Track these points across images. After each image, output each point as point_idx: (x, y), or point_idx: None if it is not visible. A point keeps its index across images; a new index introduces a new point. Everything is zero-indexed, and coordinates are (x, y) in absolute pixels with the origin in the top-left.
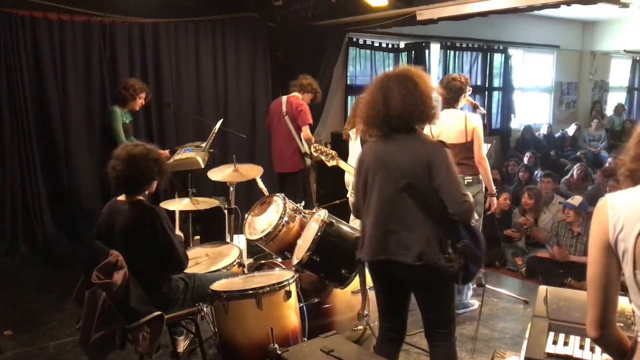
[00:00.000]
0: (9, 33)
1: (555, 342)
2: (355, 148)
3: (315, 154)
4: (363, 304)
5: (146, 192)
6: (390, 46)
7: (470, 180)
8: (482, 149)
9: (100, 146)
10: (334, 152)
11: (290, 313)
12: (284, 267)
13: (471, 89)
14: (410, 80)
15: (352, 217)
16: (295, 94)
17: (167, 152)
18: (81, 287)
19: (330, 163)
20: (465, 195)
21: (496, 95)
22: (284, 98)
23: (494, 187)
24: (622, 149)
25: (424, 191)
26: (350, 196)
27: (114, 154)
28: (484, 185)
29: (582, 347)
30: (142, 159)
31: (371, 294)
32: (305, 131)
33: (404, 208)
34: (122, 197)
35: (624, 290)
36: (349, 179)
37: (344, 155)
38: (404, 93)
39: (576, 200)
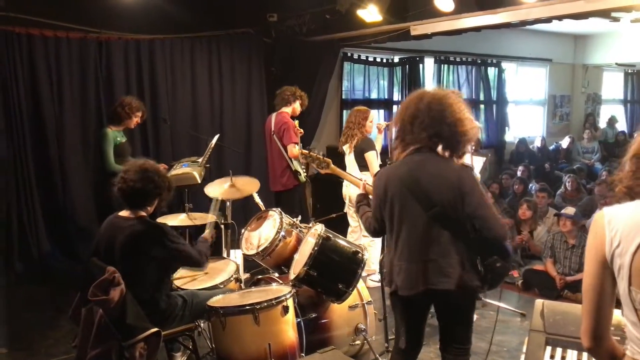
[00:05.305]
0: (5, 50)
1: (552, 357)
2: (350, 162)
3: (304, 161)
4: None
5: (149, 209)
6: (384, 61)
7: None
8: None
9: (94, 164)
10: (328, 160)
11: (288, 328)
12: (281, 282)
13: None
14: (445, 102)
15: (349, 230)
16: (282, 109)
17: (164, 165)
18: (77, 305)
19: (324, 171)
20: (500, 218)
21: (490, 108)
22: (273, 116)
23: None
24: (618, 165)
25: (455, 216)
26: (348, 209)
27: (123, 168)
28: None
29: None
30: (154, 173)
31: (369, 309)
32: (291, 150)
33: (437, 235)
34: (123, 213)
35: (620, 304)
36: (347, 192)
37: (342, 168)
38: (436, 112)
39: (570, 210)
